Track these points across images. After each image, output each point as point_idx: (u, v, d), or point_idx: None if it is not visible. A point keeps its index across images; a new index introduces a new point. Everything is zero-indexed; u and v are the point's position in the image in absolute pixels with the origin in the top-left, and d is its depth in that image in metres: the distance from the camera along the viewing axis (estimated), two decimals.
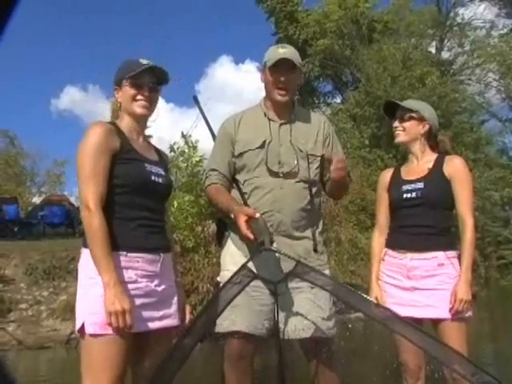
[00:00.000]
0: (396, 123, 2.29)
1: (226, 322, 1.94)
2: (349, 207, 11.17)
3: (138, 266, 1.68)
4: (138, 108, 1.80)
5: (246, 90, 32.35)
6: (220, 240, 2.20)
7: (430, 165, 2.22)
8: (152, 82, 1.81)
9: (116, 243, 1.65)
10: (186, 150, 7.06)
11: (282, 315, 1.91)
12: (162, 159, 1.92)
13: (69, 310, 6.62)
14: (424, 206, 2.16)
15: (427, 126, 2.25)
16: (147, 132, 1.94)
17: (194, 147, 7.05)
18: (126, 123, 1.82)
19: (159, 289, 1.74)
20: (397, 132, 2.29)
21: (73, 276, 7.22)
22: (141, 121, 1.85)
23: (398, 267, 2.19)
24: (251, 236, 1.81)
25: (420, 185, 2.18)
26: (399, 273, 2.19)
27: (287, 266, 1.81)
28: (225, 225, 2.15)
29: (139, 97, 1.79)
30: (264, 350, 2.11)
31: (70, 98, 41.91)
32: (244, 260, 1.83)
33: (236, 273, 1.68)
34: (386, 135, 14.82)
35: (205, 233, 6.88)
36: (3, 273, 7.99)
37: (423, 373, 2.12)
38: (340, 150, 2.25)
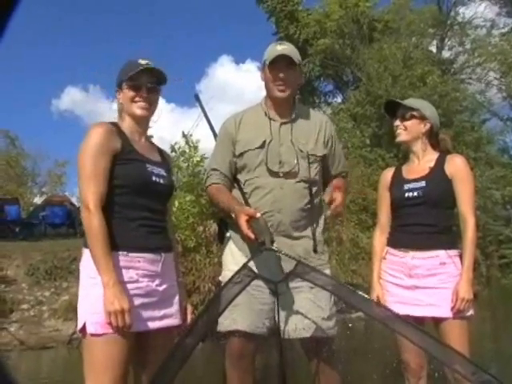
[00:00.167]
0: (397, 122, 2.28)
1: (226, 321, 1.94)
2: (350, 207, 11.14)
3: (139, 266, 1.69)
4: (138, 109, 1.80)
5: (246, 90, 32.33)
6: (222, 239, 2.20)
7: (432, 164, 2.21)
8: (151, 83, 1.81)
9: (117, 243, 1.65)
10: (187, 150, 7.08)
11: (282, 314, 1.91)
12: (164, 160, 1.92)
13: (70, 310, 6.63)
14: (426, 205, 2.15)
15: (428, 125, 2.25)
16: (148, 132, 1.94)
17: (195, 147, 7.07)
18: (127, 124, 1.82)
19: (160, 288, 1.74)
20: (398, 131, 2.28)
21: (74, 276, 7.24)
22: (141, 122, 1.85)
23: (400, 266, 2.19)
24: (252, 236, 1.82)
25: (422, 184, 2.18)
26: (401, 271, 2.18)
27: (288, 265, 1.81)
28: (226, 224, 2.15)
29: (138, 98, 1.79)
30: (265, 349, 2.12)
31: (71, 98, 42.05)
32: (245, 260, 1.84)
33: (237, 272, 1.68)
34: (387, 134, 14.79)
35: (206, 233, 6.89)
36: (5, 273, 8.00)
37: (425, 372, 2.11)
38: (340, 150, 2.25)
